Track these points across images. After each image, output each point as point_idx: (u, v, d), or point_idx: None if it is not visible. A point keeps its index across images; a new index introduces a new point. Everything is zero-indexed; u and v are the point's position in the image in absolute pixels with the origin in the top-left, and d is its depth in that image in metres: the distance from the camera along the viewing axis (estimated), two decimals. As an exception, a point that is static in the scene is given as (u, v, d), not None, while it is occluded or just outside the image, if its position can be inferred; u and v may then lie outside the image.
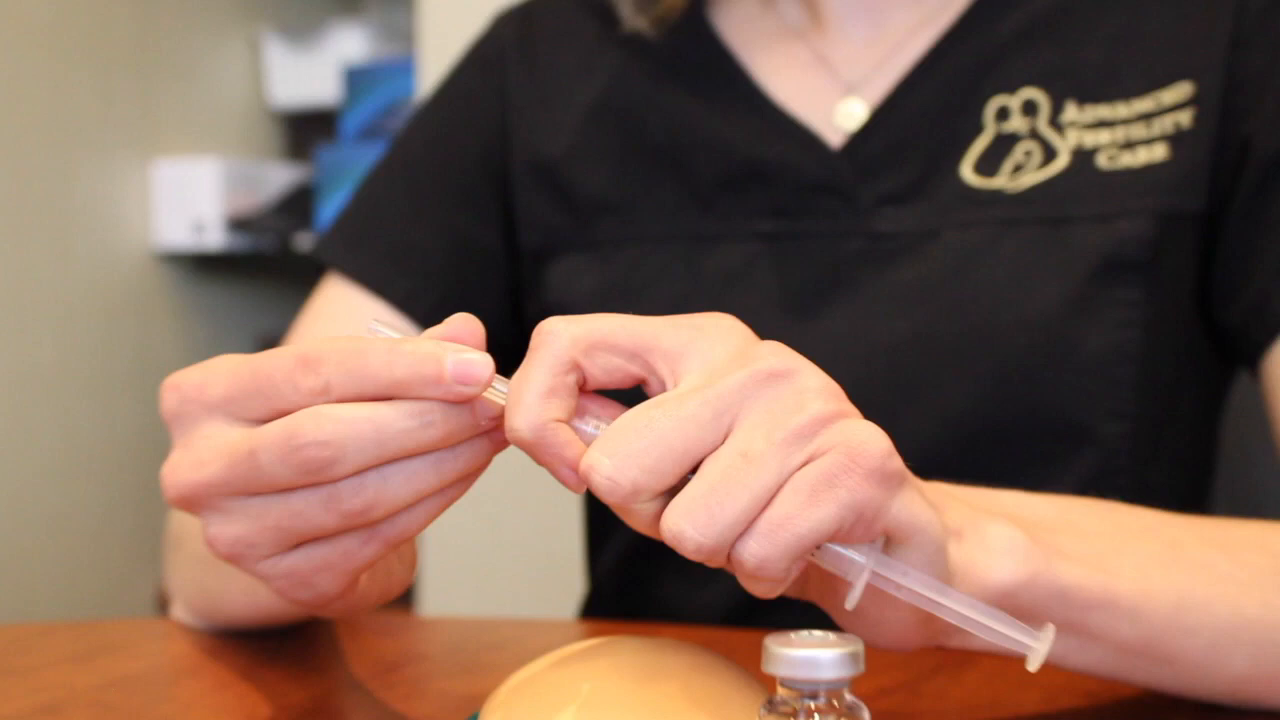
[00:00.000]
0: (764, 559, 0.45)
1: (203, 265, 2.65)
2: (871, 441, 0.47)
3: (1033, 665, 0.49)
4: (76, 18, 2.38)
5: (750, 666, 0.52)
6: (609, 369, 0.48)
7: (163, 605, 2.49)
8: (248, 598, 0.78)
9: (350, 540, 0.50)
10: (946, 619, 0.49)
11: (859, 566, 0.48)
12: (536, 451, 0.48)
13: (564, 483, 0.49)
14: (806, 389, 0.47)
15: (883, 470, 0.46)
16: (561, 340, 0.47)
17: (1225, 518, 0.68)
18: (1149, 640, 0.58)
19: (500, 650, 0.79)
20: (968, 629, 0.49)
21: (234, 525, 0.50)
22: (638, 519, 0.48)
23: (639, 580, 0.92)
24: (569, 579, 1.09)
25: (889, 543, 0.49)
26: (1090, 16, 0.88)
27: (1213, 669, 0.61)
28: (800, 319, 0.87)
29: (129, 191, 2.51)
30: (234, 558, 0.51)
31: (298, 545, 0.51)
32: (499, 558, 1.99)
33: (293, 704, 0.69)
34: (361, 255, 0.97)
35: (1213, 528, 0.66)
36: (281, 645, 0.80)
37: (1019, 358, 0.82)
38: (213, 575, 0.78)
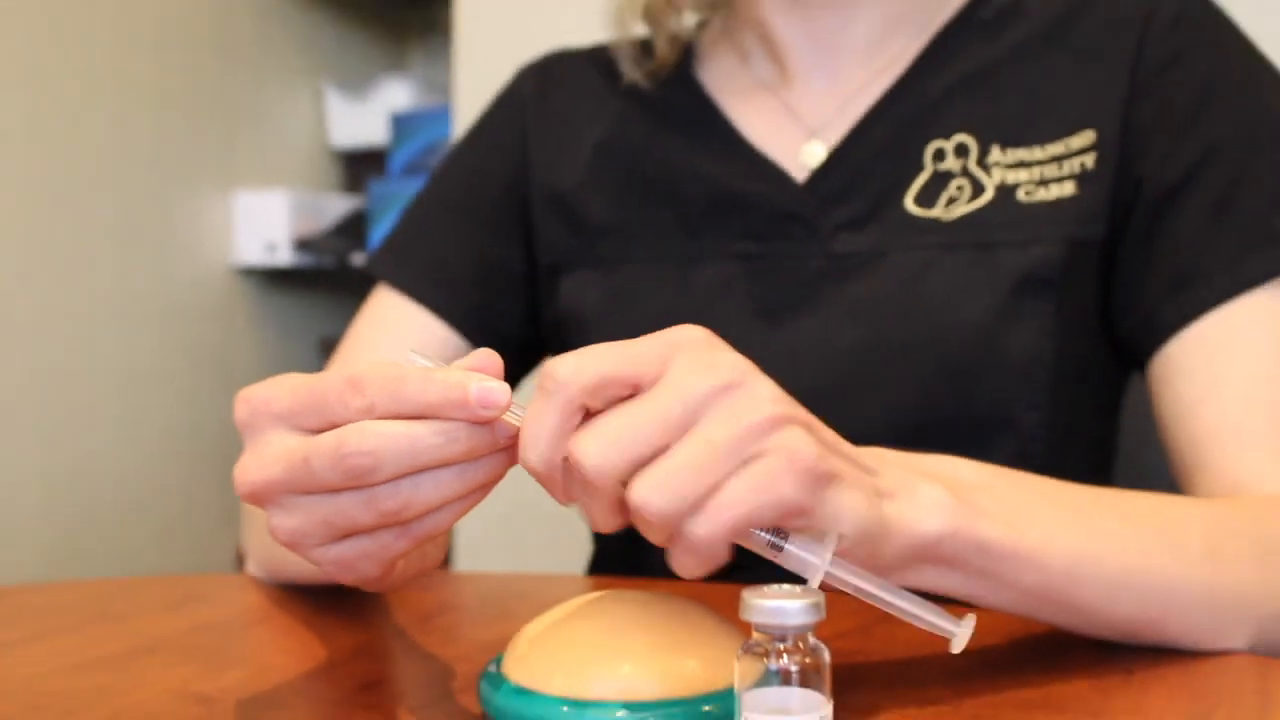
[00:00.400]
0: (708, 535, 0.46)
1: (274, 279, 2.65)
2: (806, 449, 0.47)
3: (955, 648, 0.51)
4: (172, 74, 2.39)
5: (729, 615, 0.52)
6: (609, 399, 0.49)
7: (240, 563, 2.49)
8: (303, 565, 0.78)
9: (387, 535, 0.52)
10: (887, 610, 0.51)
11: (815, 566, 0.48)
12: (542, 480, 0.50)
13: (555, 498, 0.51)
14: (760, 395, 0.48)
15: (814, 473, 0.47)
16: (571, 390, 0.48)
17: (1126, 490, 0.67)
18: (1050, 587, 0.59)
19: (522, 600, 0.79)
20: (905, 619, 0.51)
21: (291, 519, 0.51)
22: (606, 495, 0.49)
23: (636, 541, 0.92)
24: (580, 541, 1.09)
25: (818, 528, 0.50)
26: (1011, 75, 0.88)
27: (1104, 612, 0.61)
28: (771, 327, 0.87)
29: (214, 218, 2.52)
30: (291, 545, 0.52)
31: (343, 538, 0.52)
32: (521, 524, 1.99)
33: (345, 646, 0.69)
34: (405, 270, 0.97)
35: (1112, 497, 0.66)
36: (336, 598, 0.80)
37: (954, 359, 0.82)
38: (277, 546, 0.78)
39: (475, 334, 0.96)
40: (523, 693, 0.52)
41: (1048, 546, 0.58)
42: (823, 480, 0.48)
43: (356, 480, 0.49)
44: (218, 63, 2.51)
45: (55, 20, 2.20)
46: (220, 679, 0.63)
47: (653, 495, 0.46)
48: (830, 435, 0.53)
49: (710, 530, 0.46)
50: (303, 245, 2.54)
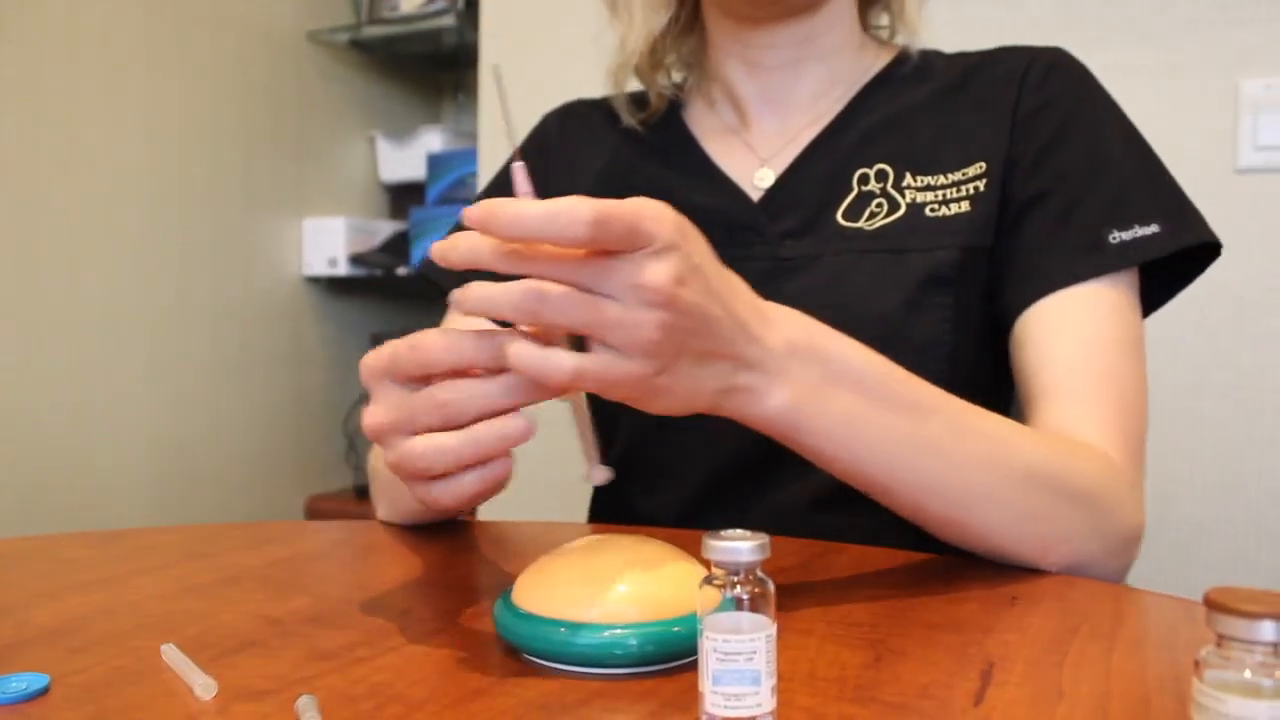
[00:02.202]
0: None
1: (334, 286, 2.64)
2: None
3: (589, 480, 0.57)
4: (256, 124, 2.39)
5: (695, 554, 0.51)
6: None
7: (309, 513, 2.49)
8: (398, 506, 0.83)
9: (451, 438, 0.53)
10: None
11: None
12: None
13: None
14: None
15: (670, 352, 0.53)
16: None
17: (989, 413, 0.67)
18: (869, 483, 0.63)
19: (530, 543, 0.79)
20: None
21: (382, 412, 0.55)
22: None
23: (621, 495, 0.92)
24: (580, 494, 1.08)
25: None
26: (923, 119, 0.88)
27: (920, 507, 0.63)
28: None
29: (288, 238, 2.51)
30: (378, 438, 0.56)
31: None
32: (531, 481, 1.99)
33: (388, 578, 0.68)
34: (451, 276, 0.98)
35: (966, 416, 0.65)
36: (382, 541, 0.80)
37: (872, 342, 0.82)
38: (382, 493, 0.85)
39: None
40: (529, 617, 0.52)
41: (866, 461, 0.61)
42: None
43: (423, 369, 0.53)
44: (293, 115, 2.50)
45: (164, 79, 2.19)
46: (287, 604, 0.62)
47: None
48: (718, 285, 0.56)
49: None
50: (357, 260, 2.54)
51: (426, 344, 0.53)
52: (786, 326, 0.60)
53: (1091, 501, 0.67)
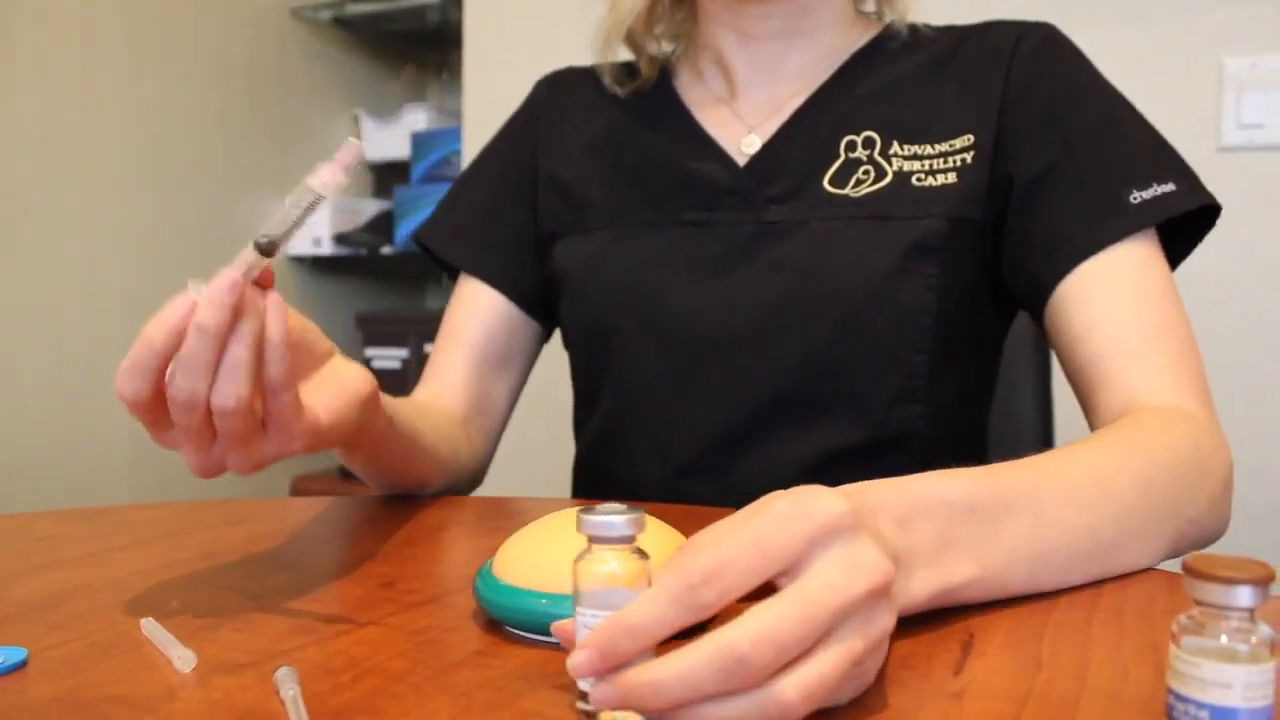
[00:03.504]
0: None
1: (318, 266, 2.63)
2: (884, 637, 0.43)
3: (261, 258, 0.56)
4: (238, 104, 2.38)
5: (676, 528, 0.51)
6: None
7: (294, 493, 2.48)
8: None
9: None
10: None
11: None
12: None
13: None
14: (883, 606, 0.42)
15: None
16: (707, 600, 0.38)
17: (1065, 451, 0.62)
18: (1023, 589, 0.56)
19: (511, 518, 0.78)
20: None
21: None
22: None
23: (603, 464, 0.93)
24: (562, 469, 1.08)
25: None
26: (911, 90, 0.88)
27: (1064, 583, 0.57)
28: (712, 279, 0.87)
29: (271, 217, 2.49)
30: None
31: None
32: (515, 457, 1.99)
33: (367, 554, 0.68)
34: (446, 244, 1.02)
35: (1058, 472, 0.59)
36: (365, 516, 0.80)
37: (858, 307, 0.82)
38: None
39: (510, 288, 0.98)
40: (510, 589, 0.52)
41: (1011, 572, 0.54)
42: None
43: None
44: (275, 94, 2.49)
45: (145, 57, 2.17)
46: (268, 579, 0.62)
47: (803, 703, 0.38)
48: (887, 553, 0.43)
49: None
50: (341, 239, 2.53)
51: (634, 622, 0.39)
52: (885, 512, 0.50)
53: (1194, 474, 0.65)
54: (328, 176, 0.53)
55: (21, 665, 0.48)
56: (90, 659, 0.49)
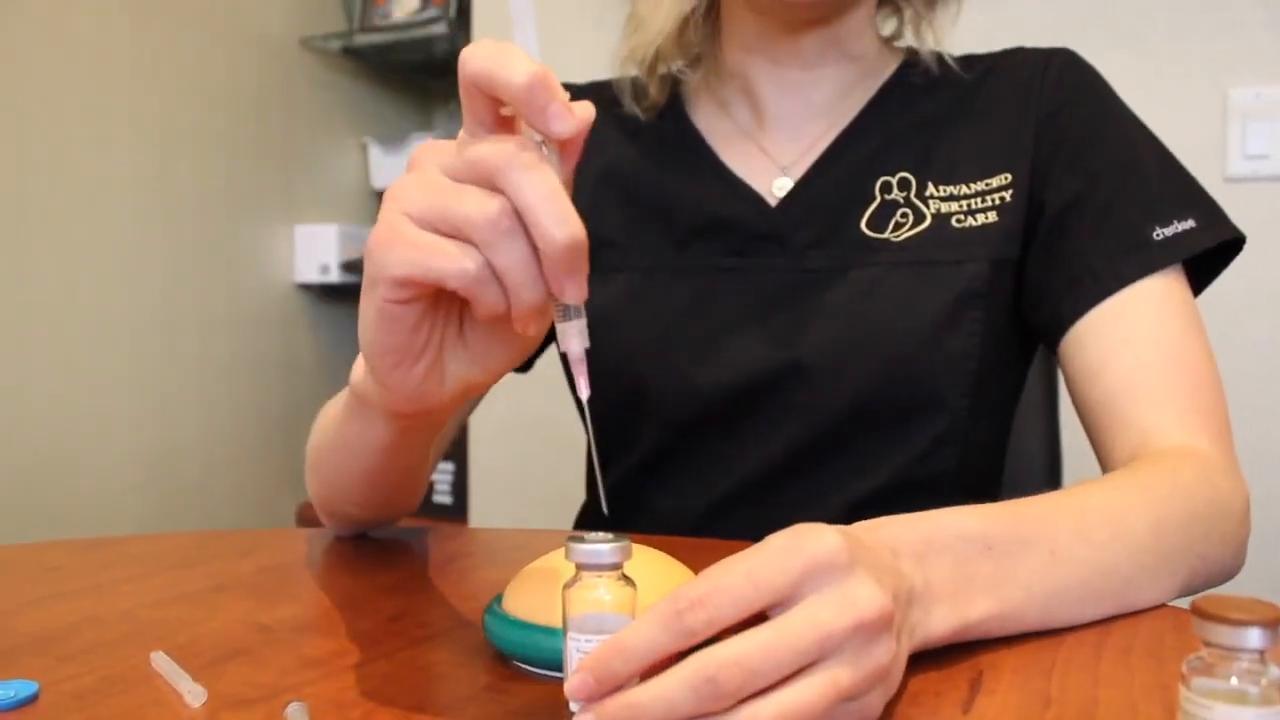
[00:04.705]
0: None
1: (326, 293, 2.64)
2: (896, 670, 0.45)
3: None
4: (247, 132, 2.39)
5: (694, 564, 0.51)
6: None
7: (300, 520, 2.48)
8: (349, 510, 0.78)
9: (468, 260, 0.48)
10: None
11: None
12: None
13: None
14: (883, 643, 0.42)
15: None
16: (696, 626, 0.39)
17: (1080, 489, 0.62)
18: (1038, 625, 0.55)
19: (520, 550, 0.78)
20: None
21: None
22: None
23: (638, 493, 0.90)
24: (571, 501, 1.08)
25: None
26: (940, 130, 0.88)
27: (1077, 620, 0.58)
28: (754, 327, 0.85)
29: (280, 245, 2.51)
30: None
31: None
32: (521, 488, 1.99)
33: (380, 584, 0.68)
34: None
35: (1073, 513, 0.59)
36: (373, 548, 0.80)
37: (904, 354, 0.81)
38: (320, 482, 0.77)
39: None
40: (519, 624, 0.52)
41: (1028, 608, 0.54)
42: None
43: None
44: (284, 122, 2.50)
45: (154, 86, 2.19)
46: (277, 611, 0.62)
47: None
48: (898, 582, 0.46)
49: None
50: (349, 267, 2.53)
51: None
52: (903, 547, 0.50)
53: (1207, 511, 0.65)
54: None
55: (33, 699, 0.48)
56: (100, 693, 0.49)
